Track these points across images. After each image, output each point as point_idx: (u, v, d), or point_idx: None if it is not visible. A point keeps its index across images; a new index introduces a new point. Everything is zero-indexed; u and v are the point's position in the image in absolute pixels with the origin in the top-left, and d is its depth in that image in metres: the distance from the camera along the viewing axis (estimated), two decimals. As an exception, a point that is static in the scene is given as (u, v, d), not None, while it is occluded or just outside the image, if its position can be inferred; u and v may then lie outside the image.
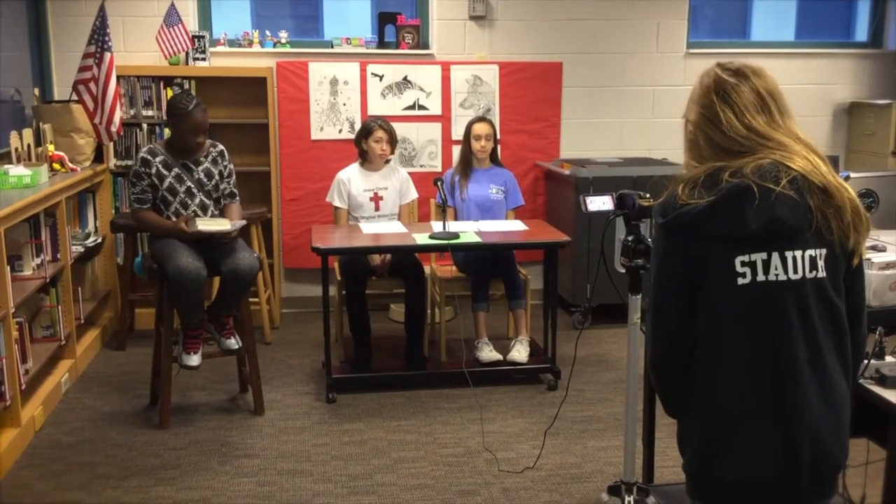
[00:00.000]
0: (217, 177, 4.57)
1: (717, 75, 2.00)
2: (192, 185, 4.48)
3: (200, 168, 4.51)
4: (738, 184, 1.87)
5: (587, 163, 6.06)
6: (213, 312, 4.52)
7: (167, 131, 5.19)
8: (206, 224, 4.37)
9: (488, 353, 5.08)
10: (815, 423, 1.89)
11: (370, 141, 5.24)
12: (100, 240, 5.62)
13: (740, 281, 1.88)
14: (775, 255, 1.88)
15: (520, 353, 5.08)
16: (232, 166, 4.69)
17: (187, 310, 4.35)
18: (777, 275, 1.88)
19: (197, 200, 4.50)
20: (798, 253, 1.88)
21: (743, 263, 1.88)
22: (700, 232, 1.89)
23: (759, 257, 1.88)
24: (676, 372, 2.01)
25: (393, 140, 5.29)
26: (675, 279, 1.95)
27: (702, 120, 2.00)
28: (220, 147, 4.63)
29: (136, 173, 4.45)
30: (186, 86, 5.77)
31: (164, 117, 4.58)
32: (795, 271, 1.88)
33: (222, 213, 4.64)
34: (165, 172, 4.44)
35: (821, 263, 1.90)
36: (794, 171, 1.87)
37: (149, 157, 4.44)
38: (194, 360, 4.43)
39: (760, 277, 1.88)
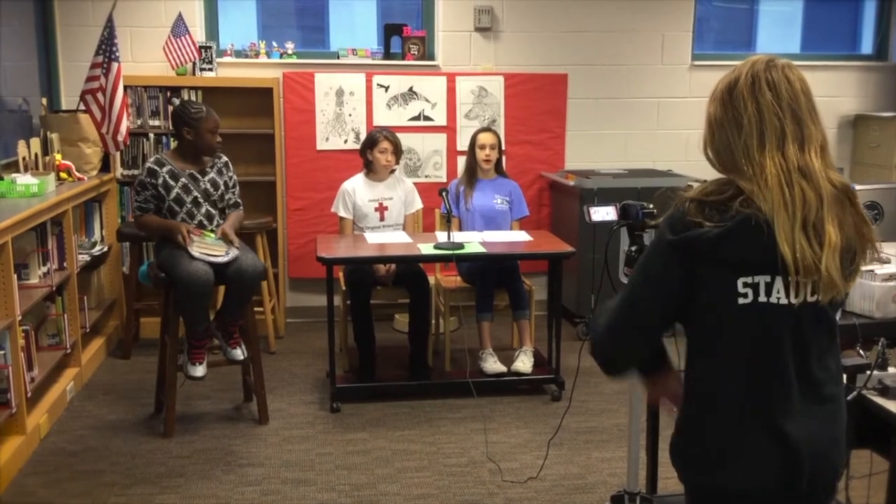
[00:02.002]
0: (222, 187, 4.60)
1: None
2: (199, 195, 4.51)
3: (206, 178, 4.54)
4: (751, 215, 1.83)
5: (592, 174, 6.08)
6: (221, 319, 4.54)
7: (173, 142, 5.22)
8: (202, 249, 4.37)
9: (492, 364, 5.08)
10: (812, 432, 1.90)
11: (375, 151, 5.26)
12: (106, 249, 5.65)
13: (741, 301, 1.87)
14: (779, 280, 1.86)
15: (524, 363, 5.08)
16: (236, 177, 4.72)
17: (194, 317, 4.36)
18: (779, 298, 1.87)
19: (203, 210, 4.53)
20: (801, 278, 1.85)
21: (745, 284, 1.86)
22: (707, 256, 1.87)
23: (762, 279, 1.86)
24: (628, 368, 2.07)
25: (398, 151, 5.31)
26: (664, 291, 1.94)
27: None
28: (225, 158, 4.68)
29: (140, 182, 4.48)
30: (193, 96, 5.81)
31: (172, 128, 4.61)
32: (797, 296, 1.87)
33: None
34: (172, 183, 4.46)
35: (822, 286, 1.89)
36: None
37: (155, 168, 4.47)
38: (199, 370, 4.45)
39: (762, 298, 1.87)
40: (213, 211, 4.58)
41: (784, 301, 1.86)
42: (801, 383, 1.90)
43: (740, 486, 1.91)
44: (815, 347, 1.92)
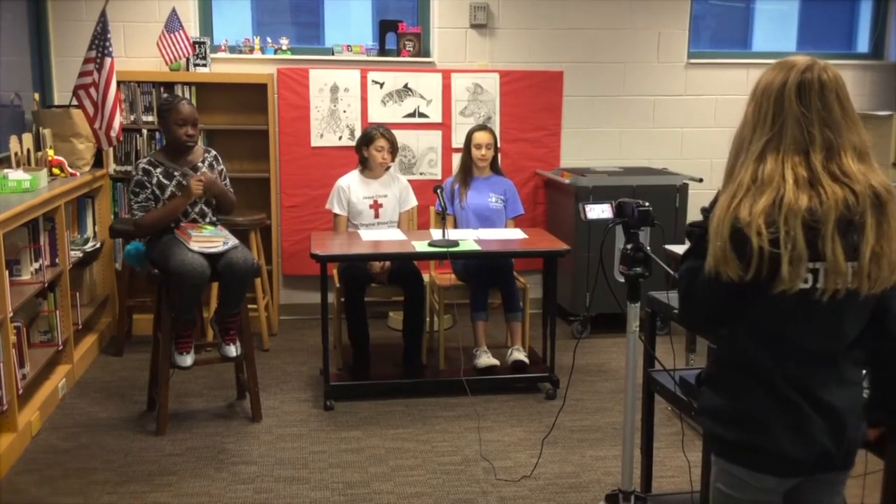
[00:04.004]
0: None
1: None
2: None
3: (199, 174, 4.53)
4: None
5: (587, 172, 6.06)
6: (220, 313, 4.53)
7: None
8: (201, 242, 4.35)
9: (486, 359, 5.06)
10: (849, 405, 2.09)
11: (371, 149, 5.24)
12: (98, 245, 5.62)
13: (801, 286, 1.97)
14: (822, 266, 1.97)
15: (519, 352, 5.07)
16: (226, 170, 4.70)
17: (184, 304, 4.34)
18: (837, 283, 1.97)
19: (197, 208, 4.53)
20: (855, 263, 1.97)
21: (808, 270, 1.96)
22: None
23: (822, 266, 1.96)
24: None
25: (394, 149, 5.29)
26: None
27: None
28: (214, 152, 4.68)
29: (138, 182, 4.44)
30: (187, 92, 5.78)
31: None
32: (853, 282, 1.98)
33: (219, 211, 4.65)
34: (166, 182, 4.45)
35: None
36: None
37: (150, 168, 4.45)
38: (187, 360, 4.44)
39: (820, 284, 1.97)
40: (207, 209, 4.57)
41: (841, 285, 1.97)
42: (840, 361, 2.08)
43: (797, 455, 2.06)
44: (851, 331, 2.07)
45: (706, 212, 2.12)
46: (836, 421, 2.06)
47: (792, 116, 1.98)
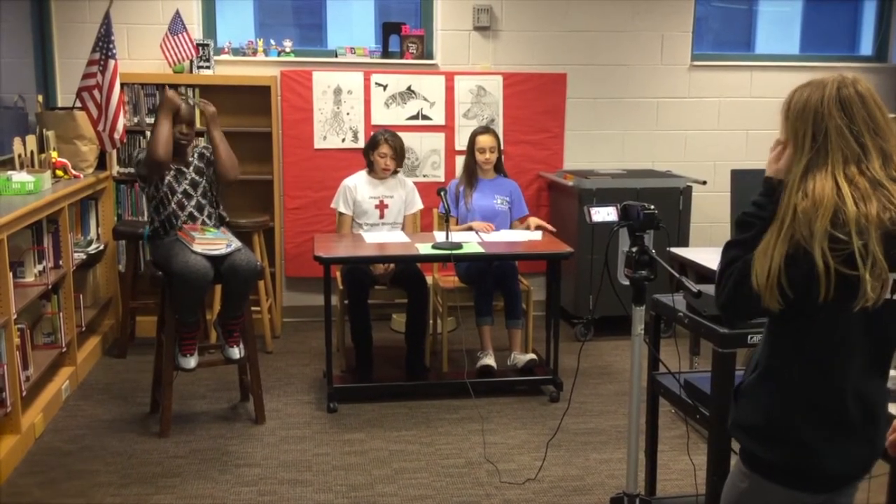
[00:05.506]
0: (205, 169, 4.58)
1: None
2: (188, 187, 4.51)
3: (191, 168, 4.55)
4: None
5: (590, 174, 6.06)
6: (223, 316, 4.53)
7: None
8: (203, 245, 4.35)
9: (486, 360, 5.06)
10: (885, 419, 2.11)
11: (375, 154, 5.25)
12: (102, 247, 5.62)
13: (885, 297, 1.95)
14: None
15: (522, 355, 5.07)
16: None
17: (187, 306, 4.34)
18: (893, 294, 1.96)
19: (193, 202, 4.53)
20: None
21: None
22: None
23: (893, 277, 1.93)
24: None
25: (398, 155, 5.28)
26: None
27: None
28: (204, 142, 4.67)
29: (138, 159, 4.50)
30: (190, 93, 5.78)
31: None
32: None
33: (217, 207, 4.65)
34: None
35: None
36: None
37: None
38: (191, 362, 4.44)
39: (887, 295, 1.94)
40: (203, 201, 4.57)
41: None
42: (884, 376, 2.07)
43: (831, 470, 2.06)
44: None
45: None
46: (881, 433, 2.09)
47: (835, 129, 1.94)
